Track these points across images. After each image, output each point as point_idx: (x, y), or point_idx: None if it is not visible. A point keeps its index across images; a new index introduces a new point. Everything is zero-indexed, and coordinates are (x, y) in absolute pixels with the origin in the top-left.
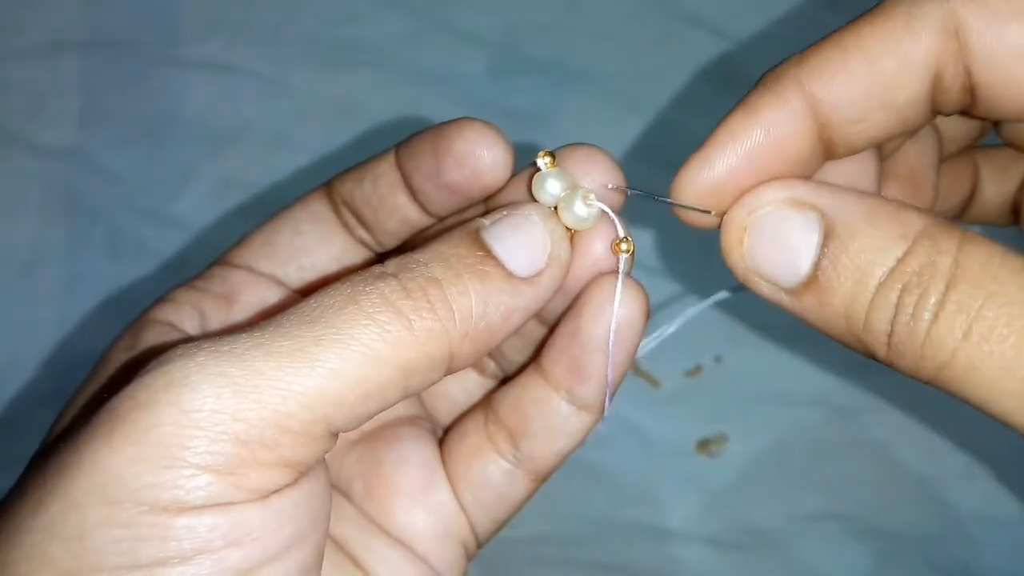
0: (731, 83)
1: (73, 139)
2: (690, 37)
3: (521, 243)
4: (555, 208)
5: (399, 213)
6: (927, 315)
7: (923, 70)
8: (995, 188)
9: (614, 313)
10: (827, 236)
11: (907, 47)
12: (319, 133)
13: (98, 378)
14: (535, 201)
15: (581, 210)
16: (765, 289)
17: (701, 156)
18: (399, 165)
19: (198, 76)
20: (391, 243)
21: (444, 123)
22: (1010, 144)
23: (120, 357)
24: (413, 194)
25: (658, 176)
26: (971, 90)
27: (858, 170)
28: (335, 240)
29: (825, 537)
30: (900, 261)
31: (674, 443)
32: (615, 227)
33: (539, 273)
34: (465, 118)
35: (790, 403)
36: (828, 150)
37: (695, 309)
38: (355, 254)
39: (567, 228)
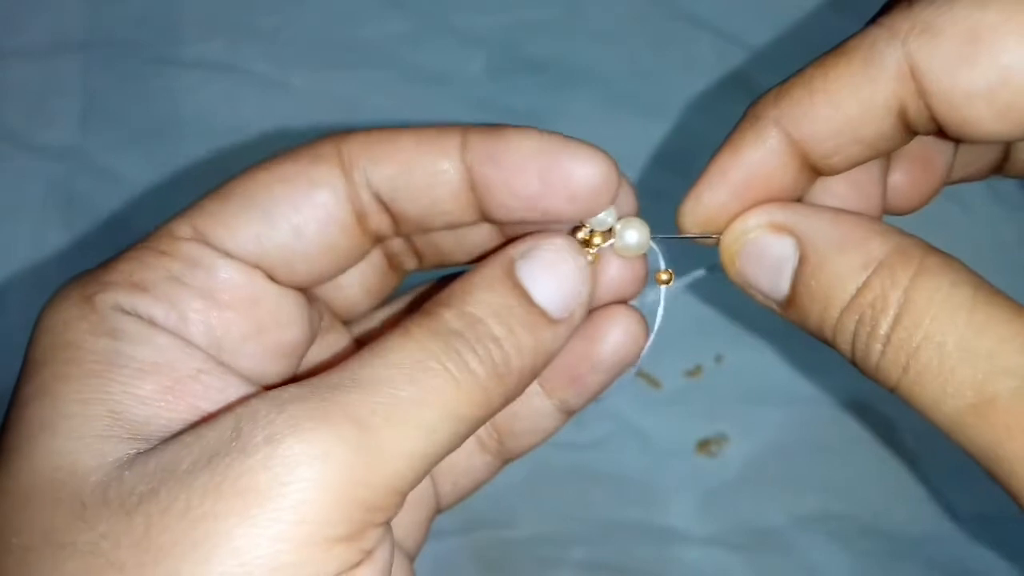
0: (732, 83)
1: (73, 139)
2: (690, 37)
3: (557, 285)
4: (580, 235)
5: (446, 219)
6: (878, 347)
7: (885, 109)
8: None
9: (648, 341)
10: (801, 261)
11: (867, 90)
12: (319, 133)
13: (57, 361)
14: (560, 229)
15: (632, 238)
16: (761, 300)
17: (695, 193)
18: (469, 168)
19: (198, 76)
20: (406, 230)
21: (547, 137)
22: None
23: (85, 340)
24: (478, 202)
25: (659, 176)
26: (938, 124)
27: (862, 168)
28: (347, 241)
29: (825, 537)
30: (859, 291)
31: (674, 443)
32: (659, 259)
33: (571, 314)
34: (580, 143)
35: (790, 403)
36: (817, 171)
37: (678, 283)
38: (357, 252)
39: (592, 254)
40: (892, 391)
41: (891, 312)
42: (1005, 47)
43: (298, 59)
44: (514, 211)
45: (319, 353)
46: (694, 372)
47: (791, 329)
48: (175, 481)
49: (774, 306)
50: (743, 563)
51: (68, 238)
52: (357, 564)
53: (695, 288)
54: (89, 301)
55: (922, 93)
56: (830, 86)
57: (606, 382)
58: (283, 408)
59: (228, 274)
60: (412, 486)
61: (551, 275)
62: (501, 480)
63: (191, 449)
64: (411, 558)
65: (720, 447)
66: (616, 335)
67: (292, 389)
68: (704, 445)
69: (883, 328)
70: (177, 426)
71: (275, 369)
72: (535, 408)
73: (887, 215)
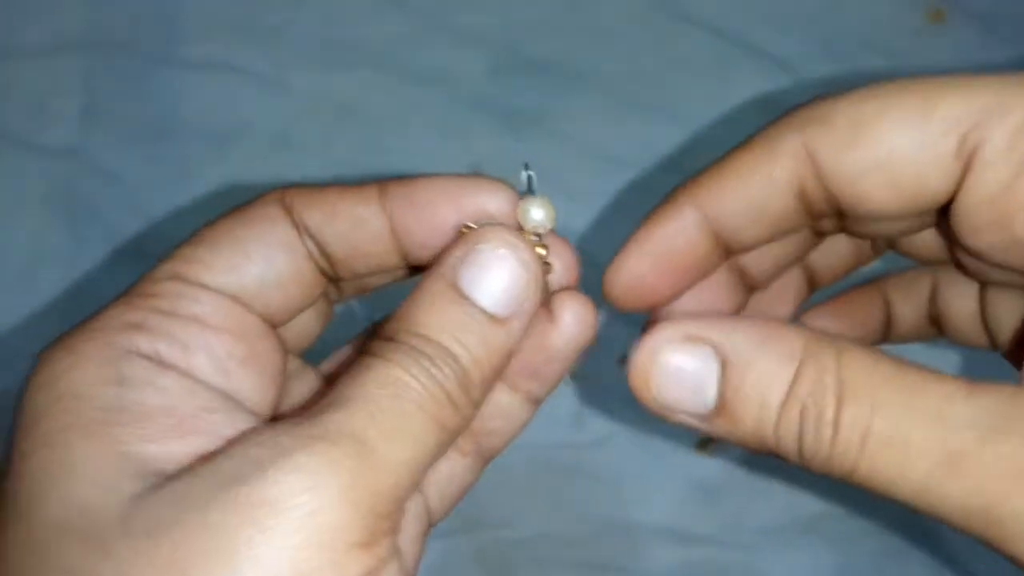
0: (732, 83)
1: (73, 139)
2: (690, 37)
3: (502, 284)
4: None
5: (372, 261)
6: (828, 432)
7: (787, 185)
8: (908, 309)
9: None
10: (724, 368)
11: (769, 169)
12: (319, 133)
13: (56, 412)
14: (496, 223)
15: (538, 214)
16: (682, 419)
17: (618, 264)
18: (389, 214)
19: (198, 76)
20: (342, 273)
21: (453, 176)
22: (908, 254)
23: (85, 389)
24: (397, 242)
25: (659, 176)
26: (835, 203)
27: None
28: (306, 276)
29: (825, 537)
30: (793, 382)
31: (674, 443)
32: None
33: (522, 308)
34: (483, 176)
35: None
36: (729, 250)
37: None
38: (316, 287)
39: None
40: (848, 477)
41: (831, 396)
42: (885, 132)
43: (298, 59)
44: (434, 249)
45: (293, 388)
46: None
47: None
48: (197, 506)
49: (698, 423)
50: (743, 563)
51: (68, 238)
52: (376, 571)
53: None
54: (81, 351)
55: (818, 173)
56: (736, 166)
57: (566, 368)
58: (288, 430)
59: (211, 303)
60: (409, 494)
61: (494, 276)
62: (501, 480)
63: (207, 477)
64: (410, 573)
65: (720, 447)
66: (566, 322)
67: (291, 418)
68: (704, 445)
69: (829, 413)
70: (185, 459)
71: (269, 397)
72: (503, 404)
73: None
